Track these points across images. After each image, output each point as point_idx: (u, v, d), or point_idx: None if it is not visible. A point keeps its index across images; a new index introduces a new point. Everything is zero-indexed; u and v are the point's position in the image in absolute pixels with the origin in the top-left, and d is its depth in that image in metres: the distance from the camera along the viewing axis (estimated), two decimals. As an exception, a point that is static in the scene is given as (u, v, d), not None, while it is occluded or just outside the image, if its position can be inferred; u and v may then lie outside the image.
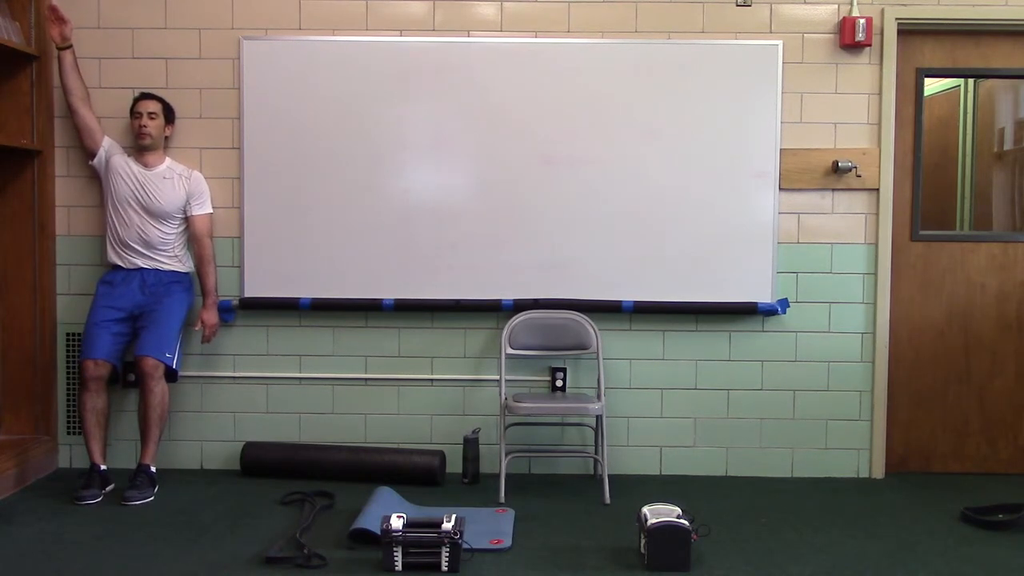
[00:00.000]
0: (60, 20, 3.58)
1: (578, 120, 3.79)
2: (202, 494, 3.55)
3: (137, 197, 3.62)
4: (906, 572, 2.81)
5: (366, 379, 3.92)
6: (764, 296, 3.83)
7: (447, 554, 2.72)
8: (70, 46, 3.62)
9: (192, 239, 3.74)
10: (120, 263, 3.64)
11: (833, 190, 3.85)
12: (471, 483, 3.76)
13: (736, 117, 3.79)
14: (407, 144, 3.81)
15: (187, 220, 3.71)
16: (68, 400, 3.89)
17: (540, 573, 2.76)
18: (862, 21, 3.74)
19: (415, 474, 3.70)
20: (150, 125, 3.64)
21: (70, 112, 3.68)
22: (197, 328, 3.73)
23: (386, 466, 3.72)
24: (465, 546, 2.77)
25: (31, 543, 2.99)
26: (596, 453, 3.78)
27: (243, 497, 3.52)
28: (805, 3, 3.82)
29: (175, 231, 3.69)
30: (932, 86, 3.99)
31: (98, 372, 3.54)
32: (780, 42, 3.80)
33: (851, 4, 3.80)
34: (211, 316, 3.72)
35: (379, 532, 2.77)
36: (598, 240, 3.81)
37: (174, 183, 3.67)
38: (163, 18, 3.84)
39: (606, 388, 3.80)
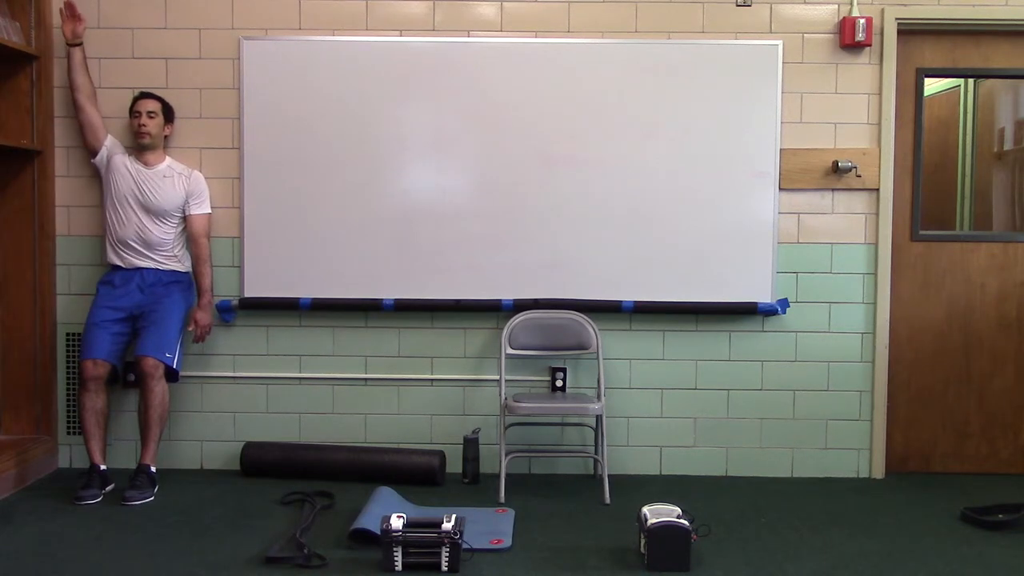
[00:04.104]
0: (75, 17, 3.64)
1: (578, 120, 3.79)
2: (202, 494, 3.55)
3: (137, 195, 3.62)
4: (906, 572, 2.81)
5: (366, 379, 3.92)
6: (764, 296, 3.83)
7: (447, 554, 2.72)
8: (80, 43, 3.65)
9: (189, 238, 3.74)
10: (119, 263, 3.64)
11: (833, 190, 3.85)
12: (471, 483, 3.76)
13: (736, 117, 3.79)
14: (407, 144, 3.81)
15: (185, 219, 3.71)
16: (68, 400, 3.89)
17: (540, 573, 2.76)
18: (862, 21, 3.74)
19: (415, 474, 3.70)
20: (149, 124, 3.64)
21: (76, 109, 3.69)
22: (190, 328, 3.72)
23: (386, 466, 3.72)
24: (465, 546, 2.77)
25: (31, 543, 2.98)
26: (596, 453, 3.78)
27: (243, 497, 3.52)
28: (805, 3, 3.82)
29: (174, 230, 3.69)
30: (932, 86, 3.99)
31: (98, 372, 3.54)
32: (780, 42, 3.80)
33: (851, 4, 3.80)
34: (204, 316, 3.72)
35: (379, 532, 2.77)
36: (598, 240, 3.81)
37: (174, 181, 3.67)
38: (163, 18, 3.84)
39: (606, 388, 3.80)
